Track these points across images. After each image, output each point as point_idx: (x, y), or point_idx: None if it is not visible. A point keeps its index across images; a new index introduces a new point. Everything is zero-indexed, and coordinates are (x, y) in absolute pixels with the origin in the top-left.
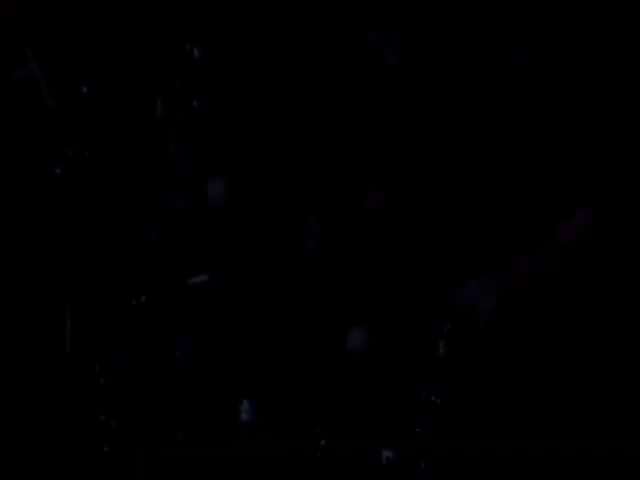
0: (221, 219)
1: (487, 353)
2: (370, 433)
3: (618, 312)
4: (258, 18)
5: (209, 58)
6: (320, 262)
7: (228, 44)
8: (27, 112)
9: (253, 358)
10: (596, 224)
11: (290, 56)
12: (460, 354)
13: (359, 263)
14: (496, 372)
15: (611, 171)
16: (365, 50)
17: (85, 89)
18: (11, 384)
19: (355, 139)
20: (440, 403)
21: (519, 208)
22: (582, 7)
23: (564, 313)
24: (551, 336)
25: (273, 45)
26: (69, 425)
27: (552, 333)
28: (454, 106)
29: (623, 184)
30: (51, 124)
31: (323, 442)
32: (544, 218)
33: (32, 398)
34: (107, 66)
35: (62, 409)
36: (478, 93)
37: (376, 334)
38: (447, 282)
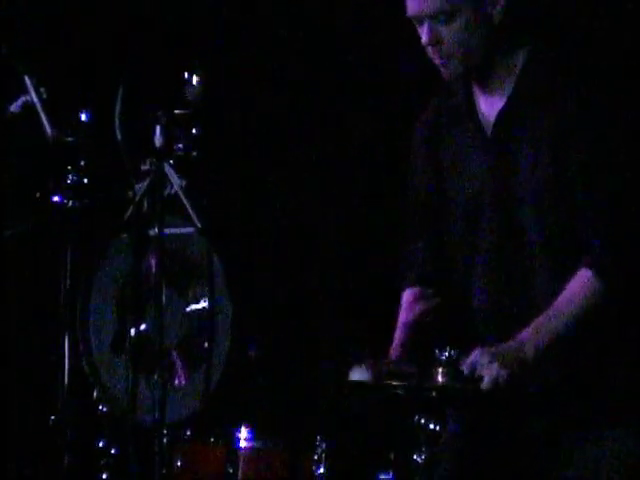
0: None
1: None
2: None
3: None
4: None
5: (206, 85)
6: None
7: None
8: (24, 141)
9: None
10: None
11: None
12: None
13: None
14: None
15: None
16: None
17: (83, 117)
18: None
19: None
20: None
21: None
22: None
23: None
24: None
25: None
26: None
27: None
28: None
29: None
30: (49, 152)
31: (321, 468)
32: None
33: None
34: (105, 94)
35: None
36: None
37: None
38: None
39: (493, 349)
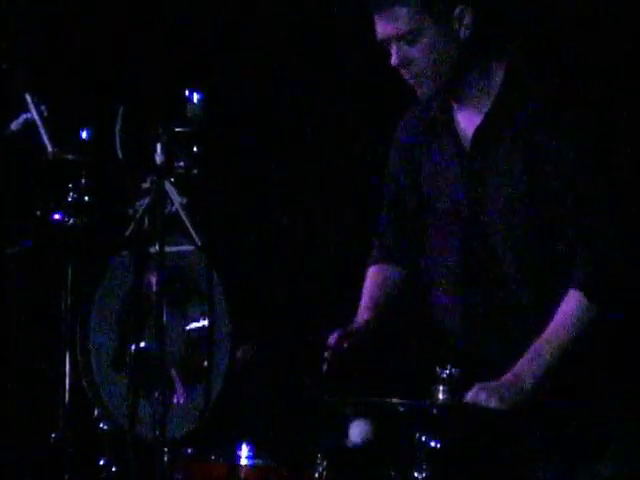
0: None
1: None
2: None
3: None
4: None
5: (207, 104)
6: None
7: (227, 90)
8: (25, 159)
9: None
10: None
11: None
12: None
13: None
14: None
15: None
16: None
17: (84, 134)
18: None
19: None
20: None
21: None
22: None
23: None
24: None
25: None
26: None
27: None
28: None
29: None
30: (50, 170)
31: None
32: None
33: None
34: (106, 112)
35: None
36: None
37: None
38: None
39: (492, 385)
